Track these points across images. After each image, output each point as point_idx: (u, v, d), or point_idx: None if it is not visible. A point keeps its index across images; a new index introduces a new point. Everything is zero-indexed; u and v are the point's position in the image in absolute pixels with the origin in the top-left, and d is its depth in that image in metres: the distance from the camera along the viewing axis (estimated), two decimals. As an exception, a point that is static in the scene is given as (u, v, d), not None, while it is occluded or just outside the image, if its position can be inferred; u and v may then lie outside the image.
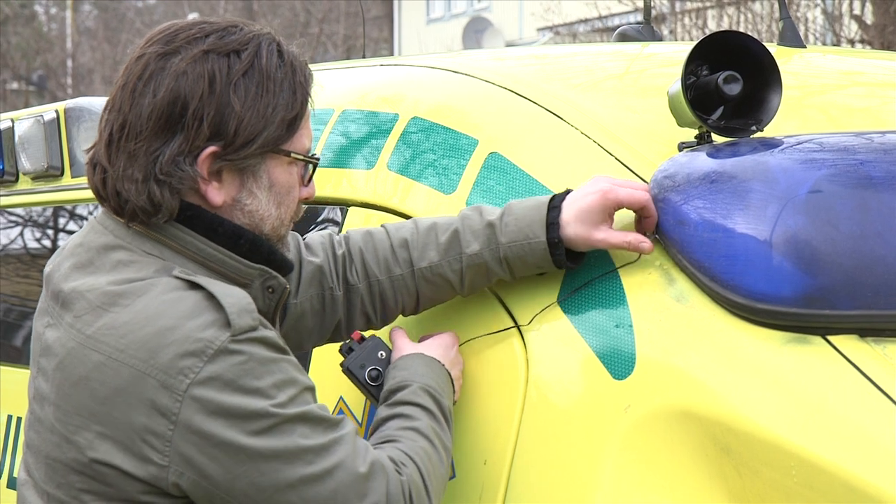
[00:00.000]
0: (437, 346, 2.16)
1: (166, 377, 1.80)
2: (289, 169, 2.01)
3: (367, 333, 2.22)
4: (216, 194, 1.94)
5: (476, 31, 25.57)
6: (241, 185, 1.96)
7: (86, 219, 3.44)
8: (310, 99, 2.04)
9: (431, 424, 2.04)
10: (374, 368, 2.17)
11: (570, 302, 2.09)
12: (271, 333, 1.89)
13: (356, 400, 2.29)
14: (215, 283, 1.89)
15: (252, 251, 1.98)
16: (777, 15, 2.86)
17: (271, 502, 1.85)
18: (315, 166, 2.07)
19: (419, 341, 2.21)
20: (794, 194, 1.94)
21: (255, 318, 1.86)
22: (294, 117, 1.98)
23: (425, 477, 1.95)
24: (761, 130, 2.14)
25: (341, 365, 2.19)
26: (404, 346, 2.19)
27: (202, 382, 1.79)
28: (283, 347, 1.90)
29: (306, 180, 2.06)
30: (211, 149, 1.90)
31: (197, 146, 1.90)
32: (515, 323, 2.12)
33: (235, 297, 1.86)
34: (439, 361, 2.13)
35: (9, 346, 3.79)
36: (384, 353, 2.20)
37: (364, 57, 3.80)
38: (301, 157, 2.02)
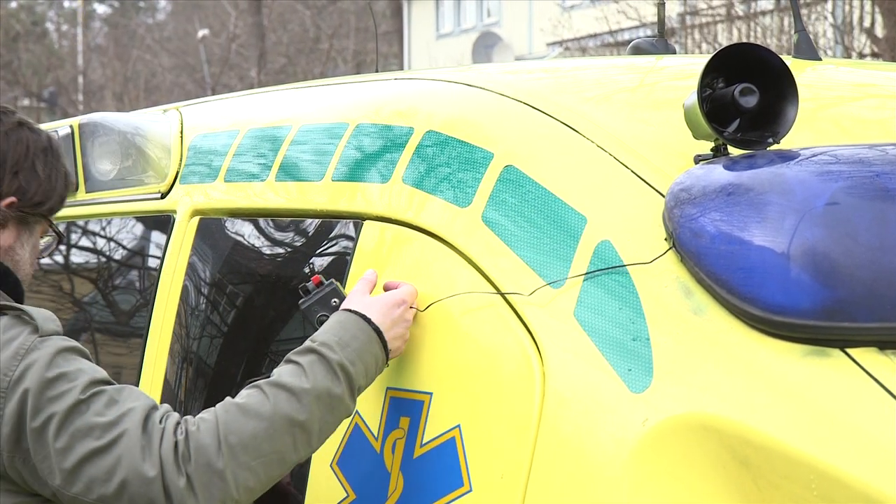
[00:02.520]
0: (381, 305, 2.25)
1: None
2: (40, 234, 2.42)
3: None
4: (5, 239, 2.32)
5: (486, 46, 25.59)
6: (17, 237, 2.34)
7: (100, 234, 3.45)
8: None
9: (286, 382, 2.14)
10: (324, 315, 2.27)
11: (587, 315, 2.08)
12: (71, 340, 2.21)
13: (373, 416, 2.29)
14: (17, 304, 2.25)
15: (12, 291, 2.31)
16: (788, 28, 2.86)
17: (72, 469, 2.06)
18: (59, 240, 2.55)
19: (385, 289, 2.30)
20: (811, 206, 1.94)
21: (58, 325, 2.20)
22: (65, 195, 2.43)
23: (221, 435, 2.07)
24: (778, 143, 2.13)
25: (298, 304, 2.29)
26: (351, 298, 2.30)
27: (18, 379, 2.09)
28: (82, 350, 2.19)
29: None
30: (11, 199, 2.29)
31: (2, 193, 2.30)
32: (532, 336, 2.12)
33: (40, 311, 2.20)
34: (368, 322, 2.21)
35: None
36: (336, 301, 2.29)
37: (376, 71, 3.81)
38: (56, 230, 2.47)
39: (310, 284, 2.32)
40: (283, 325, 2.83)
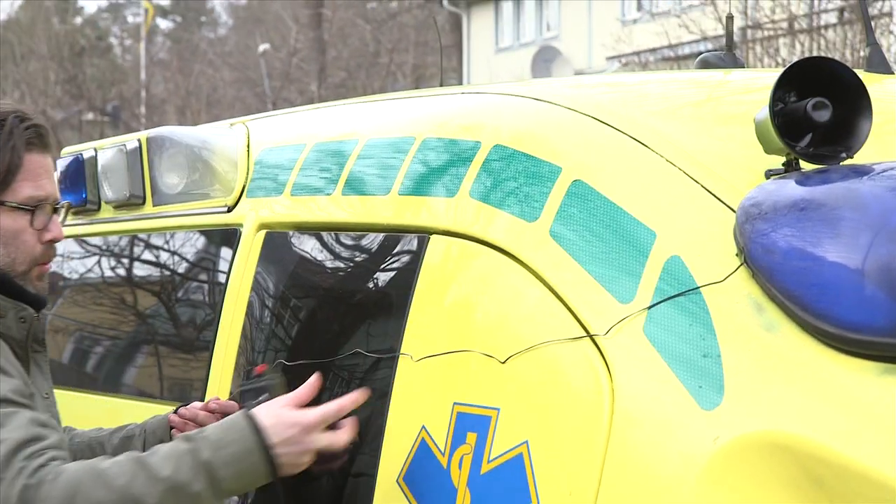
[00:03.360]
0: (280, 422, 2.26)
1: None
2: (12, 215, 2.38)
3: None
4: None
5: (545, 60, 25.59)
6: None
7: (167, 248, 3.47)
8: (28, 156, 2.41)
9: (151, 463, 2.19)
10: (248, 405, 2.33)
11: (657, 331, 2.06)
12: None
13: (439, 430, 2.30)
14: None
15: (3, 287, 2.36)
16: (852, 42, 2.84)
17: None
18: (56, 210, 2.47)
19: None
20: (886, 222, 1.92)
21: None
22: (5, 173, 2.37)
23: (71, 494, 2.12)
24: (851, 157, 2.11)
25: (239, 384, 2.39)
26: (266, 404, 2.32)
27: None
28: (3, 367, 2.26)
29: (39, 224, 2.42)
30: None
31: None
32: (600, 352, 2.10)
33: None
34: (257, 433, 2.22)
35: (84, 374, 3.82)
36: (264, 397, 2.35)
37: (441, 85, 3.81)
38: (16, 205, 2.38)
39: (252, 372, 2.35)
40: (348, 340, 2.83)
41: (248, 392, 2.41)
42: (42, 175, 2.44)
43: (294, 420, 2.26)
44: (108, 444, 2.65)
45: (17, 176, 2.39)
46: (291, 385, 2.84)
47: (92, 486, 2.14)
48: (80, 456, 2.50)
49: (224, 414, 2.46)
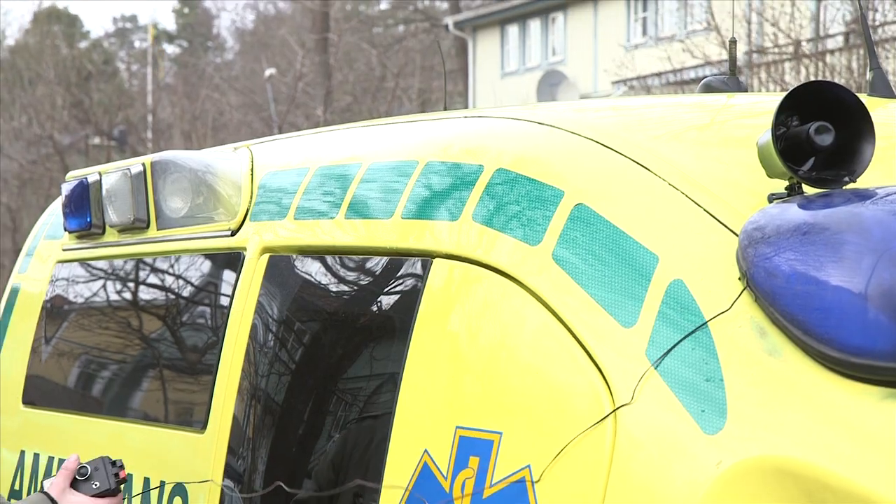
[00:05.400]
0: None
1: None
2: None
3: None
4: None
5: (551, 85, 25.66)
6: None
7: (170, 271, 3.48)
8: None
9: None
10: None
11: (660, 356, 2.06)
12: None
13: (442, 454, 2.30)
14: None
15: None
16: (858, 67, 2.84)
17: None
18: None
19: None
20: (889, 246, 1.91)
21: None
22: None
23: None
24: (854, 182, 2.11)
25: None
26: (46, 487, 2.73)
27: None
28: None
29: None
30: None
31: None
32: (602, 375, 2.10)
33: None
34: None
35: (89, 397, 3.82)
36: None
37: (445, 109, 3.81)
38: None
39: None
40: (351, 364, 2.85)
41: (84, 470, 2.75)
42: None
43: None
44: None
45: None
46: (295, 407, 2.87)
47: None
48: None
49: None
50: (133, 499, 3.09)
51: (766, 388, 1.94)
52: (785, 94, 2.13)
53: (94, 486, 2.70)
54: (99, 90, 36.42)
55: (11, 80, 34.15)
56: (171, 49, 51.29)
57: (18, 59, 36.71)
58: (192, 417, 3.13)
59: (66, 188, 3.69)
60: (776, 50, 17.19)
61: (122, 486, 2.74)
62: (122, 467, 2.73)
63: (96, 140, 35.77)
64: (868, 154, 2.11)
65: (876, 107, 2.64)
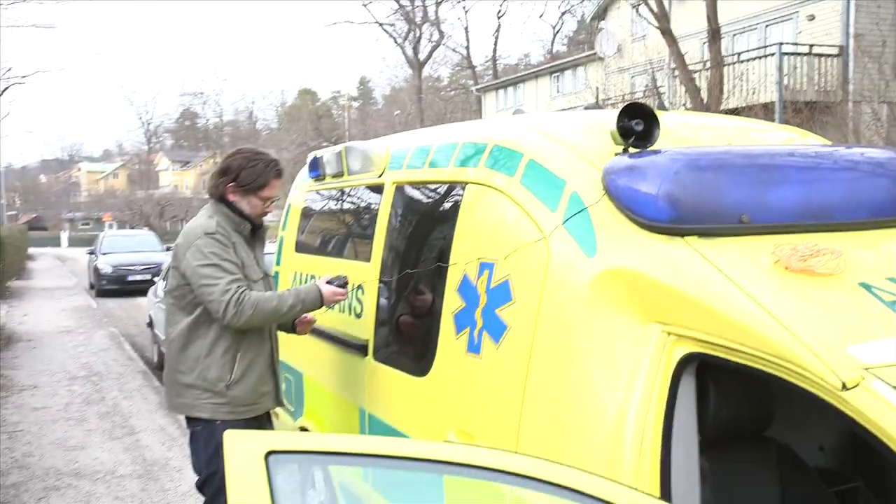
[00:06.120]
0: (327, 289, 2.79)
1: None
2: (260, 199, 2.86)
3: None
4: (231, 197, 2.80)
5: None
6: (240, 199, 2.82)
7: (353, 195, 3.34)
8: (273, 180, 2.89)
9: (283, 297, 2.73)
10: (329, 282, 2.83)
11: (569, 226, 1.99)
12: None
13: (473, 271, 2.22)
14: None
15: (249, 220, 2.83)
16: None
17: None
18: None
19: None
20: (669, 172, 1.87)
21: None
22: (263, 184, 2.85)
23: (257, 305, 2.67)
24: (650, 146, 2.06)
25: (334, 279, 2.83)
26: (320, 282, 2.82)
27: None
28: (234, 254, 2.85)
29: (267, 205, 2.88)
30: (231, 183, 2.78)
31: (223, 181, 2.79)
32: (542, 231, 2.01)
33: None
34: (317, 289, 2.77)
35: (324, 248, 3.61)
36: (340, 281, 2.83)
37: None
38: (262, 196, 2.84)
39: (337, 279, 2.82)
40: (432, 230, 2.69)
41: (333, 280, 2.80)
42: (275, 189, 2.84)
43: (332, 290, 2.78)
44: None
45: (266, 186, 2.81)
46: (405, 276, 2.68)
47: (264, 301, 2.67)
48: None
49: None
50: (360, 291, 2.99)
51: (614, 236, 1.90)
52: (623, 105, 2.09)
53: (335, 284, 2.81)
54: (323, 125, 35.68)
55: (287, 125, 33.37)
56: (355, 103, 50.09)
57: (285, 118, 35.97)
58: (367, 258, 3.04)
59: (309, 158, 3.64)
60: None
61: (347, 286, 2.83)
62: (347, 279, 2.84)
63: (324, 144, 35.23)
64: (656, 135, 2.07)
65: (660, 112, 2.55)
